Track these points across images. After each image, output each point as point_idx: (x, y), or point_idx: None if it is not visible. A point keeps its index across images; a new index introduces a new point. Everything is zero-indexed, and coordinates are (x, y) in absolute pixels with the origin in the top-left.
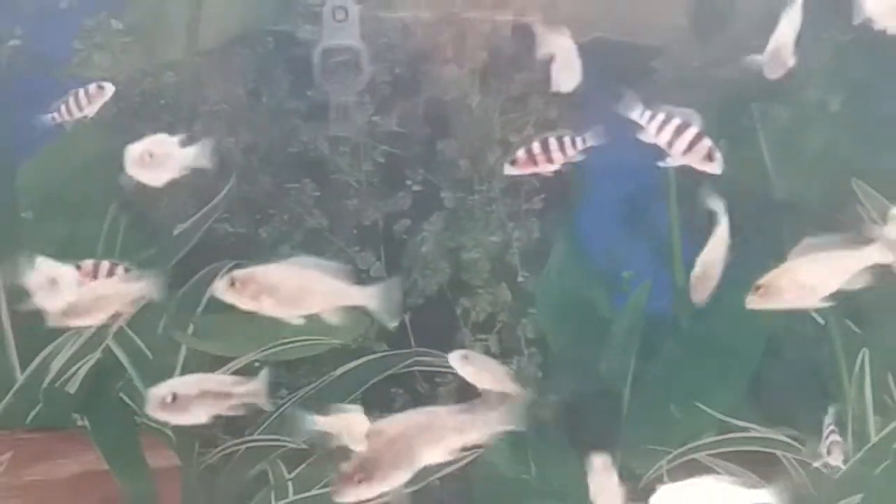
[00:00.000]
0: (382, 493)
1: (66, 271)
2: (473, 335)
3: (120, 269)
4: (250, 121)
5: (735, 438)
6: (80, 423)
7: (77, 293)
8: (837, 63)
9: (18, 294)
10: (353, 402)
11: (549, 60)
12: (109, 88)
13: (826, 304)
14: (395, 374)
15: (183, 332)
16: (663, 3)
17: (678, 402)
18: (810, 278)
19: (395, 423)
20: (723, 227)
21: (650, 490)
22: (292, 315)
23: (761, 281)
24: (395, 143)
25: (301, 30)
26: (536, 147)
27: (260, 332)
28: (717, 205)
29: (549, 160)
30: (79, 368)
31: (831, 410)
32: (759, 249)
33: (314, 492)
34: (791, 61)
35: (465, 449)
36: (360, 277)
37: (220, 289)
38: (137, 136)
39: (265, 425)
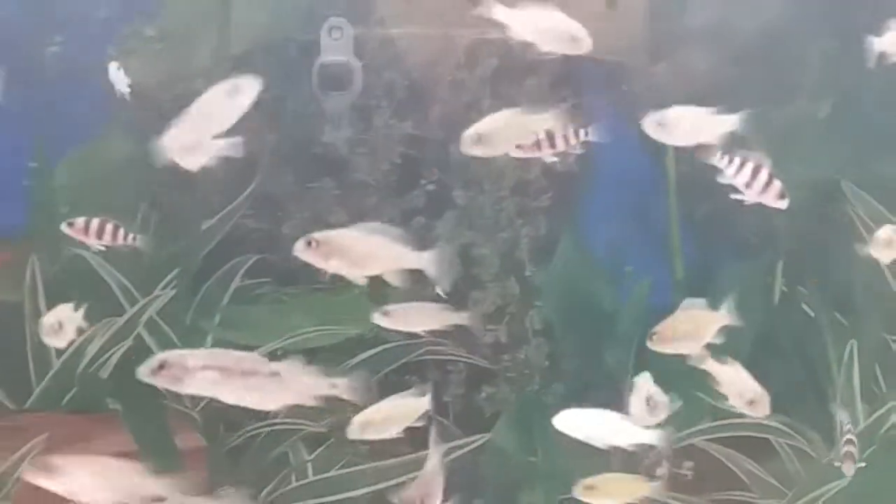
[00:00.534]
0: None
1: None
2: (483, 326)
3: (110, 225)
4: (274, 123)
5: (730, 424)
6: (112, 406)
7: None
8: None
9: (55, 283)
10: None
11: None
12: None
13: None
14: (408, 362)
15: (209, 322)
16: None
17: (677, 390)
18: (687, 331)
19: None
20: None
21: (651, 473)
22: (357, 276)
23: (654, 329)
24: (411, 145)
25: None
26: (542, 134)
27: (282, 323)
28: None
29: (552, 146)
30: (111, 355)
31: (845, 416)
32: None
33: (332, 473)
34: None
35: None
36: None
37: (300, 248)
38: None
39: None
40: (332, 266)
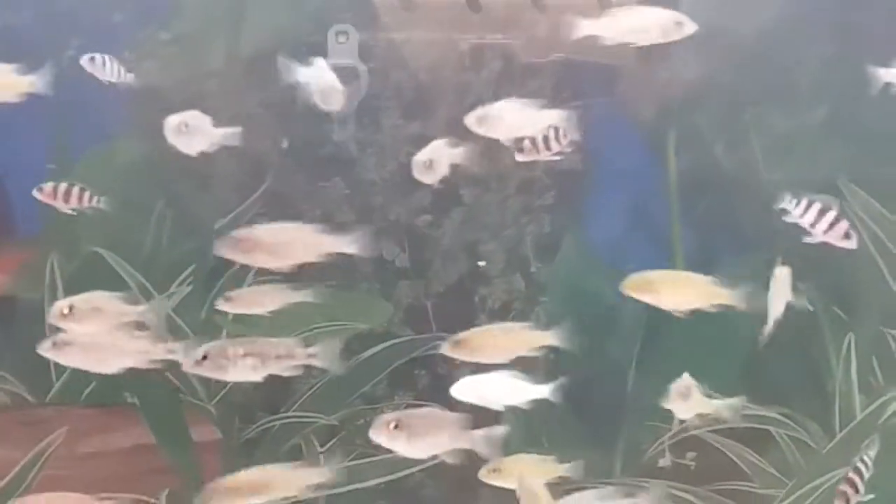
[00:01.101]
0: None
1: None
2: (490, 321)
3: (76, 189)
4: (285, 124)
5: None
6: (130, 400)
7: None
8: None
9: (74, 281)
10: (378, 382)
11: None
12: None
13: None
14: (417, 356)
15: (223, 317)
16: None
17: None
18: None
19: None
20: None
21: (654, 464)
22: (283, 267)
23: (457, 337)
24: (418, 144)
25: None
26: (539, 138)
27: (293, 318)
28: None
29: (548, 148)
30: None
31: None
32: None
33: (344, 465)
34: None
35: None
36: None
37: (221, 249)
38: None
39: (299, 402)
40: (258, 260)
